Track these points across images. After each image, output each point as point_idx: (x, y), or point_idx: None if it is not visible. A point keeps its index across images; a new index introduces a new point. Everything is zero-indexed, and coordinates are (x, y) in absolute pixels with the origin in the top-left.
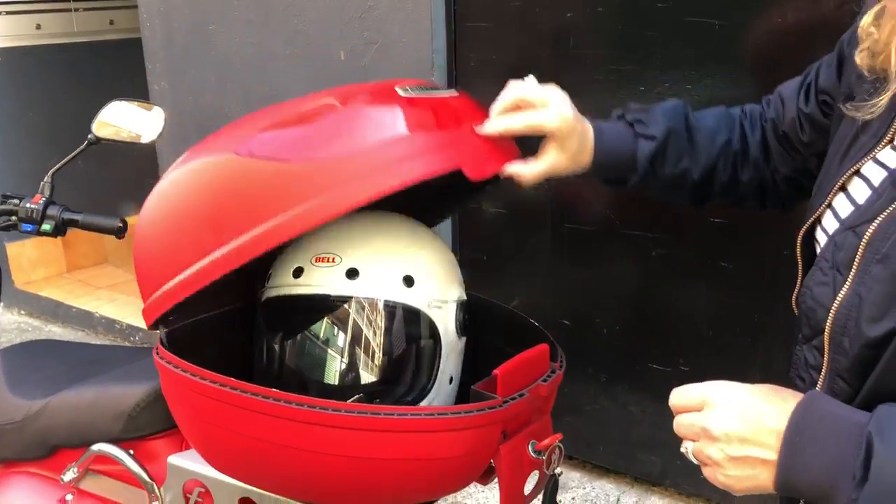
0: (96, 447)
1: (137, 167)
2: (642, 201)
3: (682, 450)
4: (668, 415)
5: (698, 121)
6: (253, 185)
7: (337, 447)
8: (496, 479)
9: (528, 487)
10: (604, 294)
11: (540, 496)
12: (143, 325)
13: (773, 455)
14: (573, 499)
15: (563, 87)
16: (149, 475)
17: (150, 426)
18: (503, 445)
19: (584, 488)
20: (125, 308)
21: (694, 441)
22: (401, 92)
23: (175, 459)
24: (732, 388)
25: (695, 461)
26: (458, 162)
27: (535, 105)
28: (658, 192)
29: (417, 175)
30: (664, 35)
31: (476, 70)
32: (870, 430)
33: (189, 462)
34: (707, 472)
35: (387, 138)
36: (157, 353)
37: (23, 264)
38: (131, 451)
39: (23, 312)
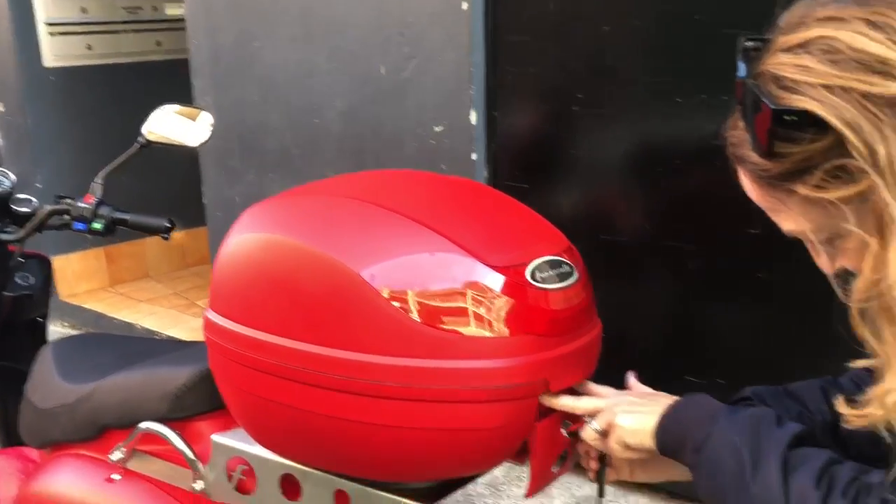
0: (143, 425)
1: (180, 182)
2: (677, 213)
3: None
4: None
5: None
6: (367, 310)
7: (379, 416)
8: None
9: (556, 466)
10: (639, 307)
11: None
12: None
13: None
14: None
15: (601, 99)
16: (193, 453)
17: (196, 406)
18: (539, 423)
19: (619, 502)
20: (164, 320)
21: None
22: (530, 279)
23: (219, 438)
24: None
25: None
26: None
27: None
28: None
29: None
30: (701, 47)
31: (514, 83)
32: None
33: (233, 440)
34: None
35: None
36: (206, 329)
37: (67, 277)
38: (177, 431)
39: (66, 324)
